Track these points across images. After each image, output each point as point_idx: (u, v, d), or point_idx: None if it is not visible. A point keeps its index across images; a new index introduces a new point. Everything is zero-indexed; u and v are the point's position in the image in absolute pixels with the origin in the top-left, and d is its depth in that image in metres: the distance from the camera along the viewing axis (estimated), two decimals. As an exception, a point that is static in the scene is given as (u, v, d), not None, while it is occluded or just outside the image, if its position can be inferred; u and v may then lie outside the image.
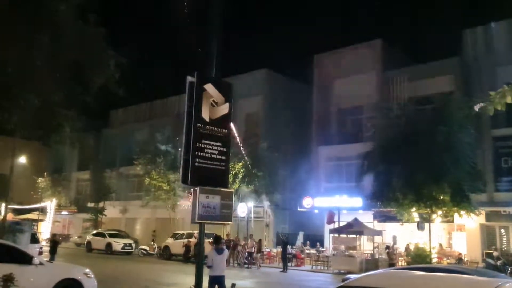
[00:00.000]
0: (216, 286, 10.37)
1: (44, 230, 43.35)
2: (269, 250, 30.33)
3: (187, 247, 28.31)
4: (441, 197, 21.45)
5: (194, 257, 26.19)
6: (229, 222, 10.88)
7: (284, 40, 78.25)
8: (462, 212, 21.89)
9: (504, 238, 24.41)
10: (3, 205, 25.59)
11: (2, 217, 23.14)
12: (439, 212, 22.67)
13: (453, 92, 24.06)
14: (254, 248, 26.77)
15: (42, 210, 45.29)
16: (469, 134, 21.44)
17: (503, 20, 25.84)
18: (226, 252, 11.28)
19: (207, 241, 13.27)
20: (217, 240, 11.10)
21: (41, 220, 45.19)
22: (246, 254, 26.96)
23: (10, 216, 34.89)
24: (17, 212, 43.11)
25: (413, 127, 22.07)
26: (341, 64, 32.10)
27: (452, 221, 24.60)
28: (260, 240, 28.64)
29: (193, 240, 26.95)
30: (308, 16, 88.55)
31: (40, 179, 46.12)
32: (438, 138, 20.76)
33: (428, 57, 30.76)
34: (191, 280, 10.07)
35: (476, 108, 6.75)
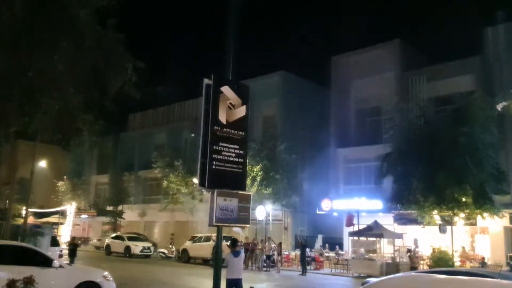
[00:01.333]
0: None
1: (64, 233, 43.86)
2: (287, 253, 30.15)
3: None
4: (464, 199, 21.02)
5: (211, 260, 26.21)
6: (247, 225, 10.79)
7: (301, 42, 78.07)
8: (485, 215, 21.42)
9: (529, 241, 23.84)
10: (24, 208, 25.98)
11: (23, 220, 23.47)
12: (462, 215, 22.23)
13: (474, 92, 23.58)
14: (274, 251, 26.62)
15: (62, 214, 45.86)
16: (491, 134, 21.00)
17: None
18: (242, 255, 11.27)
19: (224, 244, 13.18)
20: (233, 243, 11.11)
21: (61, 224, 45.76)
22: (264, 257, 26.83)
23: (31, 220, 35.47)
24: (38, 215, 43.76)
25: (433, 127, 21.73)
26: (359, 65, 31.81)
27: (475, 224, 24.09)
28: (280, 243, 28.50)
29: (211, 243, 26.97)
30: (325, 18, 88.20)
31: (60, 183, 46.72)
32: (460, 139, 20.38)
33: (448, 57, 30.27)
34: (209, 283, 10.00)
35: (499, 107, 6.56)
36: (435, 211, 22.20)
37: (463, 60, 27.34)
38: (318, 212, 31.36)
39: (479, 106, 20.82)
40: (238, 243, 11.64)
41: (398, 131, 23.43)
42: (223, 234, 10.84)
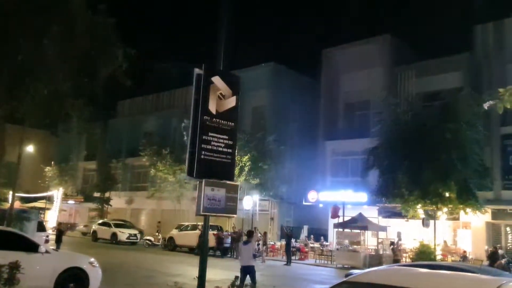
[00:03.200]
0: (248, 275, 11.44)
1: (51, 219, 43.70)
2: (273, 243, 30.41)
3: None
4: (447, 194, 21.35)
5: (198, 248, 26.35)
6: (234, 215, 10.89)
7: (292, 34, 77.97)
8: (468, 210, 21.81)
9: (510, 237, 24.33)
10: (11, 193, 25.83)
11: (9, 204, 23.34)
12: (445, 209, 22.60)
13: (462, 89, 23.89)
14: (259, 241, 26.82)
15: (49, 199, 45.65)
16: (477, 131, 21.32)
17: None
18: (252, 244, 12.33)
19: (211, 233, 13.43)
20: (249, 234, 12.59)
21: (48, 209, 45.55)
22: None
23: (18, 204, 35.23)
24: (25, 200, 43.49)
25: (420, 123, 21.98)
26: (349, 58, 31.94)
27: (458, 219, 24.53)
28: (265, 233, 28.72)
29: (198, 232, 27.09)
30: (316, 10, 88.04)
31: (47, 168, 46.45)
32: (446, 134, 20.64)
33: (437, 53, 30.49)
34: (195, 271, 10.11)
35: (486, 106, 6.70)
36: (419, 205, 22.52)
37: (452, 57, 27.60)
38: (304, 203, 31.63)
39: (467, 103, 21.10)
40: (253, 234, 13.12)
41: (386, 125, 23.65)
42: (210, 223, 10.96)
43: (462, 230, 26.01)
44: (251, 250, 12.15)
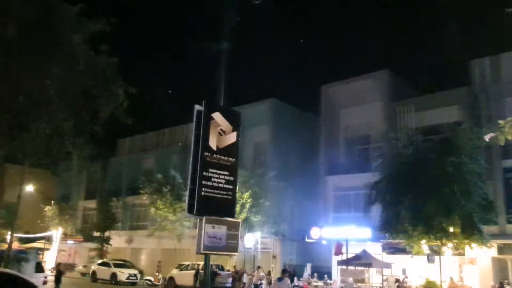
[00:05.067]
0: None
1: (49, 259, 43.01)
2: (276, 281, 29.78)
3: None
4: (452, 229, 21.06)
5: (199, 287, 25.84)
6: (235, 253, 10.71)
7: (292, 70, 79.03)
8: (473, 245, 21.44)
9: (517, 272, 23.82)
10: (9, 233, 25.53)
11: (7, 245, 23.02)
12: (450, 245, 22.24)
13: (461, 123, 23.97)
14: (262, 280, 26.29)
15: (48, 239, 45.07)
16: (479, 164, 21.24)
17: (511, 51, 25.90)
18: (286, 281, 12.76)
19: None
20: (283, 271, 13.36)
21: (47, 249, 44.91)
22: (253, 286, 26.47)
23: (16, 245, 34.77)
24: (23, 240, 42.94)
25: (421, 156, 21.93)
26: (348, 94, 32.21)
27: (463, 254, 24.09)
28: (269, 271, 28.18)
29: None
30: (316, 47, 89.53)
31: (47, 208, 46.08)
32: (448, 168, 20.56)
33: (435, 87, 30.79)
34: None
35: (487, 138, 6.67)
36: (424, 241, 22.18)
37: (451, 91, 27.81)
38: (307, 240, 31.18)
39: (467, 137, 21.11)
40: (286, 272, 13.86)
41: (387, 160, 23.60)
42: (211, 262, 10.75)
43: (468, 266, 25.51)
44: (286, 286, 12.74)
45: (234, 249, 10.30)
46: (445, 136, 22.69)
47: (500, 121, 6.23)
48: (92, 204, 48.37)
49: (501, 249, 23.81)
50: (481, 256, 23.75)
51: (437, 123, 25.83)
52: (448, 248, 22.57)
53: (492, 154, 23.87)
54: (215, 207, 9.90)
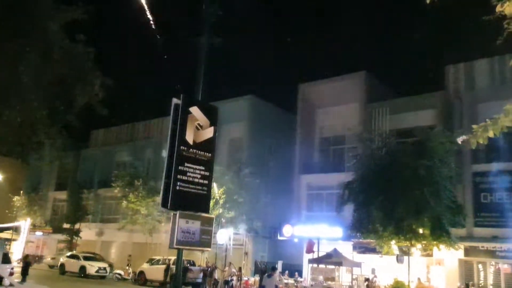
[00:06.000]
0: None
1: (17, 250, 42.11)
2: (247, 278, 29.85)
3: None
4: (421, 231, 21.48)
5: (170, 282, 25.68)
6: (208, 249, 10.68)
7: (271, 67, 79.15)
8: (441, 246, 21.92)
9: (482, 274, 24.44)
10: (-25, 222, 24.89)
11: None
12: (419, 246, 22.67)
13: (434, 126, 24.44)
14: (233, 276, 26.30)
15: (16, 230, 44.12)
16: (450, 168, 21.69)
17: (485, 58, 26.52)
18: (274, 277, 14.08)
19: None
20: (273, 268, 14.94)
21: (14, 240, 43.96)
22: (223, 282, 26.46)
23: (-18, 235, 33.98)
24: (-10, 230, 41.99)
25: (394, 159, 22.27)
26: (325, 94, 32.45)
27: (431, 255, 24.61)
28: (240, 268, 28.21)
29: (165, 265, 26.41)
30: (294, 45, 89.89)
31: (16, 198, 45.06)
32: (419, 171, 20.92)
33: (411, 91, 31.31)
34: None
35: (459, 140, 6.81)
36: (393, 241, 22.55)
37: (425, 95, 28.28)
38: (279, 237, 31.33)
39: (439, 140, 21.52)
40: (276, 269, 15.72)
41: (361, 160, 23.88)
42: (171, 256, 10.68)
43: (435, 267, 26.04)
44: (274, 282, 13.76)
45: (207, 244, 10.26)
46: (418, 139, 23.08)
47: (474, 126, 6.37)
48: (62, 195, 47.54)
49: (467, 251, 24.39)
50: (448, 258, 24.29)
51: (411, 126, 26.25)
52: (416, 249, 23.01)
53: (463, 158, 24.43)
54: (190, 202, 9.85)
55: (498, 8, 6.71)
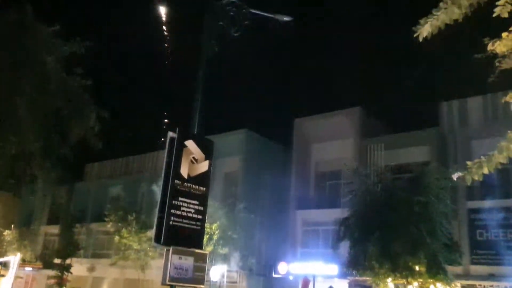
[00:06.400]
0: None
1: (5, 286, 41.12)
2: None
3: None
4: (417, 268, 21.20)
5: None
6: (201, 286, 10.44)
7: (266, 101, 79.87)
8: (438, 284, 21.58)
9: (480, 313, 24.01)
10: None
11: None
12: (415, 283, 22.31)
13: (429, 163, 24.50)
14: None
15: (5, 265, 43.19)
16: (445, 205, 21.61)
17: (478, 96, 26.88)
18: None
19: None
20: None
21: (2, 276, 42.98)
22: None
23: (-30, 270, 33.21)
24: (-23, 266, 41.09)
25: (390, 195, 22.19)
26: (320, 128, 32.64)
27: (428, 293, 24.20)
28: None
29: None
30: (290, 80, 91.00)
31: (6, 232, 44.37)
32: (415, 207, 20.83)
33: (405, 127, 31.58)
34: None
35: (455, 177, 6.80)
36: (390, 279, 22.20)
37: (419, 132, 28.50)
38: (274, 275, 30.80)
39: (434, 177, 21.54)
40: None
41: (356, 196, 23.78)
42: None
43: (432, 306, 25.56)
44: None
45: (201, 281, 10.04)
46: (414, 176, 23.09)
47: (468, 162, 6.38)
48: (54, 229, 46.85)
49: (464, 290, 24.03)
50: (445, 296, 23.89)
51: (406, 162, 26.35)
52: (413, 287, 22.63)
53: (458, 195, 24.40)
54: (183, 237, 9.69)
55: (490, 47, 6.83)
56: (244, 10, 10.89)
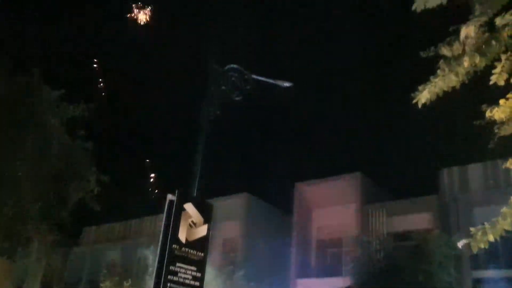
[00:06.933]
0: None
1: None
2: None
3: None
4: None
5: None
6: None
7: (267, 165, 79.94)
8: None
9: None
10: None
11: None
12: None
13: (431, 230, 24.15)
14: None
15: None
16: (449, 274, 21.07)
17: (478, 163, 26.93)
18: None
19: None
20: None
21: None
22: None
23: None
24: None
25: (392, 263, 21.71)
26: (321, 194, 32.44)
27: None
28: None
29: None
30: (290, 143, 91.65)
31: (-3, 297, 42.96)
32: (419, 277, 20.31)
33: (406, 193, 31.40)
34: None
35: (460, 244, 6.65)
36: None
37: (420, 198, 28.29)
38: None
39: (437, 245, 21.16)
40: None
41: (358, 264, 23.25)
42: None
43: None
44: None
45: None
46: (416, 244, 22.69)
47: (472, 229, 6.26)
48: (48, 295, 45.38)
49: None
50: None
51: (408, 229, 25.96)
52: None
53: (462, 264, 23.78)
54: (179, 304, 9.35)
55: (488, 113, 6.91)
56: (246, 76, 11.17)
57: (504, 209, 6.00)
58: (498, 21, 5.73)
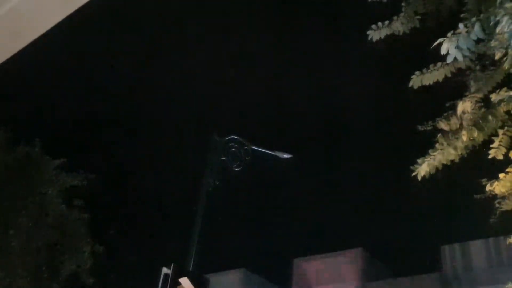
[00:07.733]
0: None
1: None
2: None
3: None
4: None
5: None
6: None
7: (264, 240, 78.55)
8: None
9: None
10: None
11: None
12: None
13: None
14: None
15: None
16: None
17: (479, 239, 26.46)
18: None
19: None
20: None
21: None
22: None
23: None
24: None
25: None
26: (321, 270, 31.55)
27: None
28: None
29: None
30: (290, 218, 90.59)
31: None
32: None
33: (407, 270, 30.56)
34: None
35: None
36: None
37: (423, 276, 27.49)
38: None
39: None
40: None
41: None
42: None
43: None
44: None
45: None
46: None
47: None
48: None
49: None
50: None
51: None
52: None
53: None
54: None
55: (488, 188, 6.88)
56: (246, 147, 11.26)
57: (509, 285, 5.83)
58: (494, 97, 5.88)
